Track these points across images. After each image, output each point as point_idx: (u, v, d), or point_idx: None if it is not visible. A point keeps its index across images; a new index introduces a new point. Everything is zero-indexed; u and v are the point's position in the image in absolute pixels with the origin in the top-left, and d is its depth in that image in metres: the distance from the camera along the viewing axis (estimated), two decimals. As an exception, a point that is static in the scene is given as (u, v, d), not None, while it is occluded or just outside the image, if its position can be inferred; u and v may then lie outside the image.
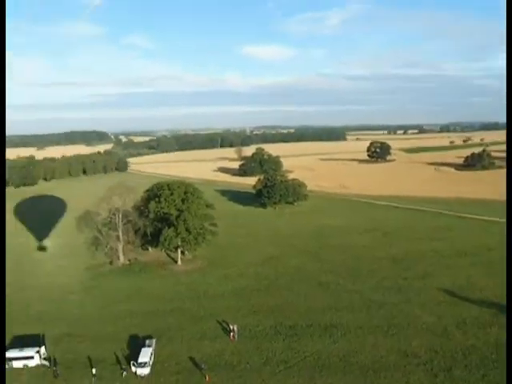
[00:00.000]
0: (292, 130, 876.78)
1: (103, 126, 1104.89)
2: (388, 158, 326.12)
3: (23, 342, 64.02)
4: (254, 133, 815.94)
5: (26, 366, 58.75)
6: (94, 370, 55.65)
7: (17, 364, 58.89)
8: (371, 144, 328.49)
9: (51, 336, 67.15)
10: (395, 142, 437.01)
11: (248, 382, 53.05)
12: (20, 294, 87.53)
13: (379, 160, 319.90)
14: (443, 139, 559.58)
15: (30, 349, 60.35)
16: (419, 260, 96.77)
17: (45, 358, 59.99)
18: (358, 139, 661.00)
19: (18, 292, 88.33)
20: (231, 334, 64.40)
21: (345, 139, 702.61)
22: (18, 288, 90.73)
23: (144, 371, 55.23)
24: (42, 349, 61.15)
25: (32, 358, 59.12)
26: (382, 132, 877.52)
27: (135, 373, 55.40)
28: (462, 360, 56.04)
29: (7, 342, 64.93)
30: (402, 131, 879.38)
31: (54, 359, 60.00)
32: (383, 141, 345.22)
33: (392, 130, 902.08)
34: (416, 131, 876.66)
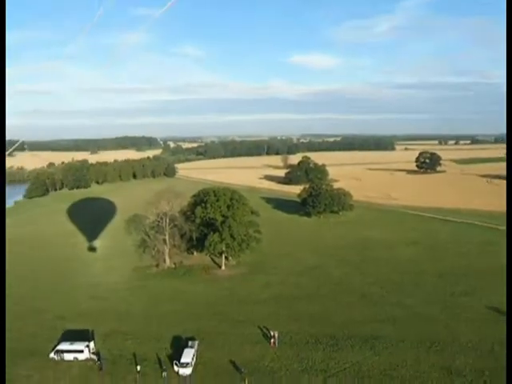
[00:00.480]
0: (338, 139, 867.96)
1: (153, 131, 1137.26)
2: (438, 168, 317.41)
3: (74, 336, 67.22)
4: (301, 141, 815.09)
5: (76, 359, 61.82)
6: (138, 367, 57.93)
7: (68, 356, 62.06)
8: (420, 154, 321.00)
9: (99, 332, 70.21)
10: (446, 153, 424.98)
11: (287, 389, 53.63)
12: (71, 292, 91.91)
13: (428, 171, 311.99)
14: (497, 150, 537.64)
15: (80, 343, 63.47)
16: (468, 276, 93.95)
17: (93, 353, 62.90)
18: (406, 149, 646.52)
19: (69, 290, 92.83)
20: (271, 340, 65.07)
21: (393, 149, 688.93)
22: (70, 287, 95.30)
23: (186, 371, 56.95)
24: (91, 344, 64.14)
25: (82, 351, 62.16)
26: (432, 142, 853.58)
27: (177, 372, 57.22)
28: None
29: (59, 336, 68.72)
30: (453, 141, 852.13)
31: (98, 353, 62.93)
32: (433, 151, 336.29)
33: (443, 140, 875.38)
34: (469, 142, 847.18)
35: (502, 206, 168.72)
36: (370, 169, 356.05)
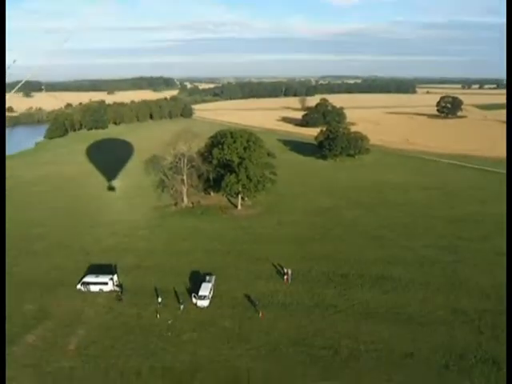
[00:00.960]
0: (359, 81, 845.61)
1: (169, 71, 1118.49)
2: (459, 113, 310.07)
3: (98, 270, 71.28)
4: (319, 82, 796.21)
5: (101, 291, 66.02)
6: (159, 299, 61.85)
7: (93, 288, 66.27)
8: (442, 98, 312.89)
9: (122, 266, 74.24)
10: (469, 97, 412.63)
11: (298, 320, 57.10)
12: (93, 228, 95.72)
13: (449, 116, 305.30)
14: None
15: (104, 276, 67.49)
16: (479, 222, 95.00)
17: (117, 285, 66.96)
18: (428, 92, 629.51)
19: (91, 227, 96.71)
20: (285, 276, 68.31)
21: (414, 92, 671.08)
22: (91, 223, 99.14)
23: (204, 303, 60.70)
24: (115, 277, 68.15)
25: (106, 284, 66.22)
26: (455, 86, 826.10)
27: (195, 304, 60.99)
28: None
29: (85, 269, 72.88)
30: (477, 86, 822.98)
31: (121, 285, 67.07)
32: (455, 95, 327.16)
33: (467, 84, 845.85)
34: (494, 86, 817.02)
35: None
36: (389, 112, 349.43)
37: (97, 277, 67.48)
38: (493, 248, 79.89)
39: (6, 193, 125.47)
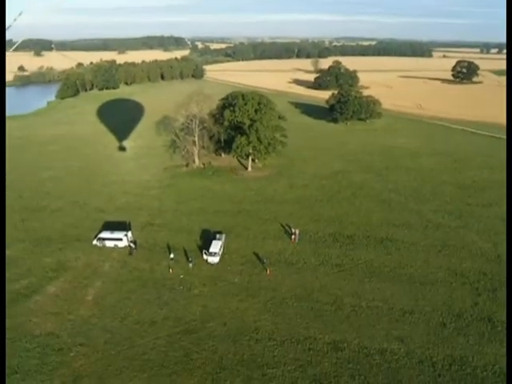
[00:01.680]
0: (374, 43, 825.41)
1: (180, 30, 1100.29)
2: (474, 79, 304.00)
3: (113, 227, 74.09)
4: (333, 44, 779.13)
5: (116, 246, 68.98)
6: (171, 255, 64.68)
7: (109, 244, 69.25)
8: (457, 63, 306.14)
9: (135, 224, 76.97)
10: (486, 62, 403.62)
11: (304, 277, 59.81)
12: (106, 187, 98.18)
13: (464, 81, 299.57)
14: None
15: (119, 232, 70.32)
16: (487, 188, 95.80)
17: (131, 241, 69.80)
18: (444, 56, 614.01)
19: (105, 186, 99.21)
20: (293, 236, 70.67)
21: (430, 55, 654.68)
22: (104, 183, 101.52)
23: (214, 259, 63.46)
24: (129, 233, 70.95)
25: (121, 239, 69.10)
26: (473, 50, 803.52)
27: (206, 260, 63.77)
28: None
29: (100, 226, 75.75)
30: (496, 50, 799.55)
31: (135, 241, 69.96)
32: (471, 60, 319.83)
33: (486, 48, 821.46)
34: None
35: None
36: (403, 76, 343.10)
37: (112, 233, 70.37)
38: (497, 214, 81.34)
39: (22, 152, 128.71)
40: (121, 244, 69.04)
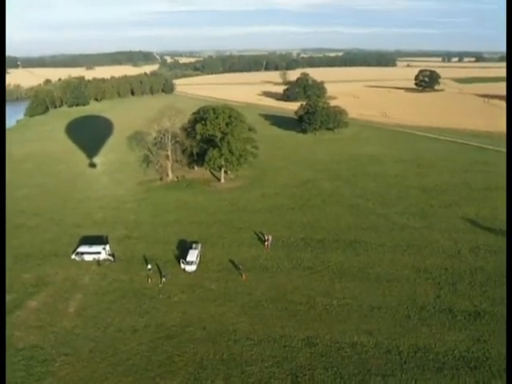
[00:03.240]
0: (340, 54, 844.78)
1: (148, 45, 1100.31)
2: (437, 87, 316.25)
3: (90, 241, 75.65)
4: (301, 56, 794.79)
5: (94, 260, 70.57)
6: (149, 266, 66.65)
7: (87, 257, 70.75)
8: (420, 72, 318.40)
9: (112, 237, 78.63)
10: (448, 71, 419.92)
11: (278, 281, 62.90)
12: (82, 203, 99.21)
13: (427, 89, 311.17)
14: (501, 69, 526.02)
15: (97, 246, 71.97)
16: (448, 191, 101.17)
17: (109, 254, 71.56)
18: (408, 66, 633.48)
19: (80, 202, 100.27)
20: (266, 243, 73.75)
21: (395, 65, 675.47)
22: (79, 199, 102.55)
23: (191, 268, 65.91)
24: (107, 246, 72.67)
25: (99, 253, 70.75)
26: (436, 59, 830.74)
27: (184, 269, 66.13)
28: (468, 278, 63.23)
29: (78, 241, 77.19)
30: (457, 59, 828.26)
31: (113, 254, 71.69)
32: (433, 69, 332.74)
33: (447, 56, 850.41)
34: (473, 59, 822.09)
35: (498, 127, 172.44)
36: (369, 86, 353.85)
37: (90, 247, 71.94)
38: (457, 214, 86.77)
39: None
40: (99, 257, 70.65)
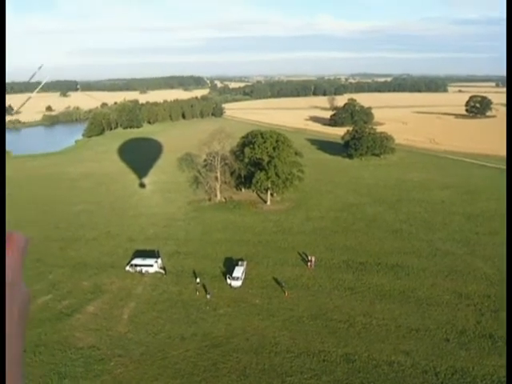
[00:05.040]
0: (389, 79, 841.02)
1: (199, 70, 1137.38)
2: (488, 113, 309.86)
3: (143, 255, 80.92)
4: (349, 81, 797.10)
5: (146, 272, 75.56)
6: (197, 279, 70.90)
7: (140, 269, 75.99)
8: (470, 98, 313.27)
9: (163, 252, 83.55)
10: (501, 96, 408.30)
11: (319, 299, 65.27)
12: (135, 219, 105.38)
13: (478, 115, 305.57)
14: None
15: (150, 259, 77.07)
16: (494, 218, 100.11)
17: (161, 267, 76.38)
18: (460, 91, 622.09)
19: (134, 218, 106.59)
20: (309, 263, 76.35)
21: (445, 91, 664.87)
22: (133, 215, 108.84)
23: (237, 283, 69.46)
24: (159, 260, 77.59)
25: (152, 266, 75.74)
26: (489, 84, 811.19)
27: (230, 284, 69.79)
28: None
29: (132, 254, 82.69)
30: None
31: (164, 267, 76.46)
32: (485, 94, 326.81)
33: (501, 81, 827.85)
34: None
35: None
36: (417, 112, 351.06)
37: (143, 260, 77.12)
38: (502, 242, 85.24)
39: (55, 187, 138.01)
40: (151, 270, 75.60)
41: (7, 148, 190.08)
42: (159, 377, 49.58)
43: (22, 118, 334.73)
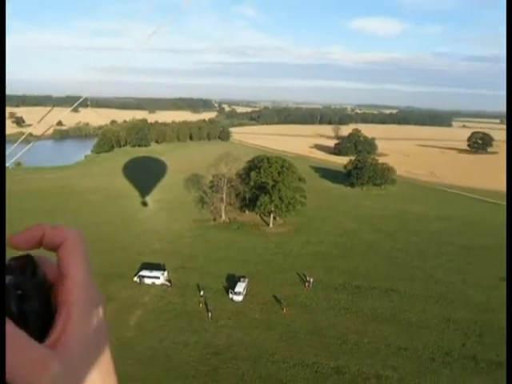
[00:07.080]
0: (395, 111, 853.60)
1: (208, 93, 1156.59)
2: (490, 149, 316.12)
3: (150, 267, 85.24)
4: (355, 111, 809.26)
5: (153, 283, 79.79)
6: (201, 292, 75.07)
7: (147, 281, 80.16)
8: (473, 134, 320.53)
9: (169, 266, 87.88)
10: (504, 133, 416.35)
11: (315, 317, 69.34)
12: (143, 234, 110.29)
13: (479, 151, 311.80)
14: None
15: (157, 271, 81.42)
16: (489, 250, 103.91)
17: (167, 280, 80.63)
18: (464, 126, 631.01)
19: (141, 233, 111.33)
20: (307, 283, 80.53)
21: (450, 125, 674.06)
22: (140, 230, 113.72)
23: (239, 298, 73.68)
24: (165, 273, 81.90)
25: (158, 278, 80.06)
26: (494, 120, 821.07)
27: (231, 299, 73.98)
28: (498, 331, 66.70)
29: (139, 266, 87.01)
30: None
31: (170, 280, 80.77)
32: (487, 131, 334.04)
33: (505, 118, 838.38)
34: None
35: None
36: (421, 145, 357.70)
37: (150, 272, 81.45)
38: (496, 274, 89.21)
39: (64, 200, 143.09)
40: (158, 281, 79.83)
41: (19, 159, 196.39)
42: (163, 378, 53.50)
43: (34, 131, 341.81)
